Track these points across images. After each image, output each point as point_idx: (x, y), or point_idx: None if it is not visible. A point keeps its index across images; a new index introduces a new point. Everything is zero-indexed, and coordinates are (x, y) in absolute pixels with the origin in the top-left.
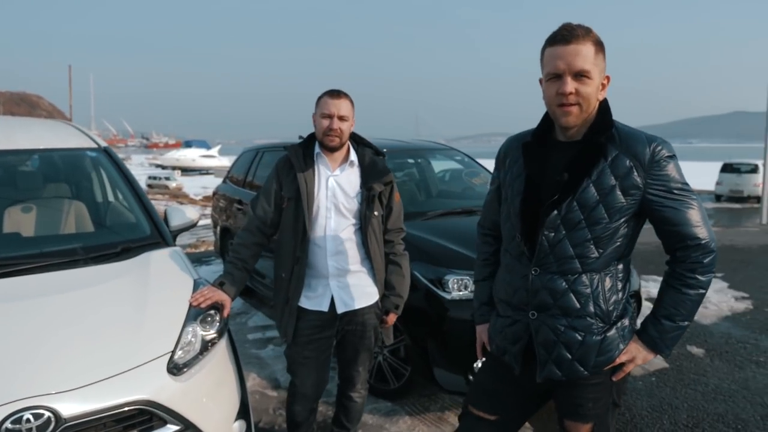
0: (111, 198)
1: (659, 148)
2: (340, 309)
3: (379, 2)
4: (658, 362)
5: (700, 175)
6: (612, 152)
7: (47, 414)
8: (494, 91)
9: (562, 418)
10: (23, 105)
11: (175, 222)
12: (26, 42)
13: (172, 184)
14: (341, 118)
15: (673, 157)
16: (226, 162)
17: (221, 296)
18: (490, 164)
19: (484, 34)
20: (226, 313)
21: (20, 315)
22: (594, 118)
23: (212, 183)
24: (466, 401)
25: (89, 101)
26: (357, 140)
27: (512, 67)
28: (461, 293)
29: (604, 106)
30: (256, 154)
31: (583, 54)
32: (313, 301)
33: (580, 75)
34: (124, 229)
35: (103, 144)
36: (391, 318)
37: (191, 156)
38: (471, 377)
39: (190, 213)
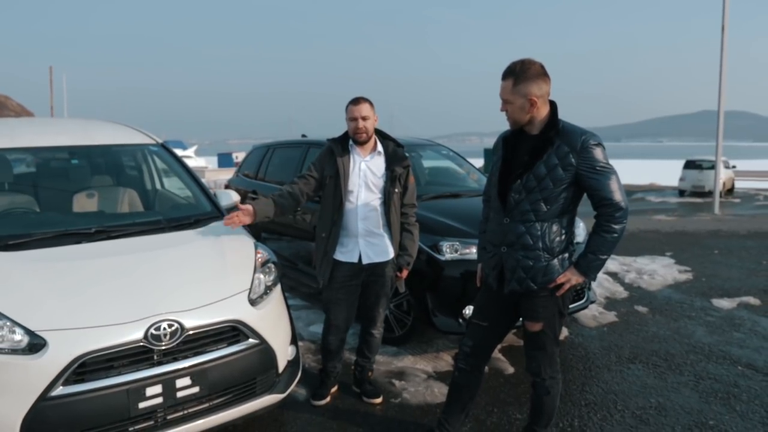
0: (167, 184)
1: (587, 139)
2: (365, 261)
3: (349, 3)
4: (611, 317)
5: (669, 172)
6: (557, 142)
7: (176, 325)
8: (468, 93)
9: (524, 321)
10: None
11: (224, 202)
12: None
13: None
14: (364, 118)
15: (598, 145)
16: (202, 162)
17: (247, 209)
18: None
19: (458, 35)
20: (249, 219)
21: (143, 261)
22: (547, 119)
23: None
24: (470, 316)
25: (62, 101)
26: (383, 135)
27: (487, 69)
28: (453, 255)
29: (554, 110)
30: (267, 151)
31: (503, 88)
32: (346, 254)
33: (503, 101)
34: (190, 207)
35: (160, 140)
36: (404, 272)
37: None
38: (461, 320)
39: (233, 195)
